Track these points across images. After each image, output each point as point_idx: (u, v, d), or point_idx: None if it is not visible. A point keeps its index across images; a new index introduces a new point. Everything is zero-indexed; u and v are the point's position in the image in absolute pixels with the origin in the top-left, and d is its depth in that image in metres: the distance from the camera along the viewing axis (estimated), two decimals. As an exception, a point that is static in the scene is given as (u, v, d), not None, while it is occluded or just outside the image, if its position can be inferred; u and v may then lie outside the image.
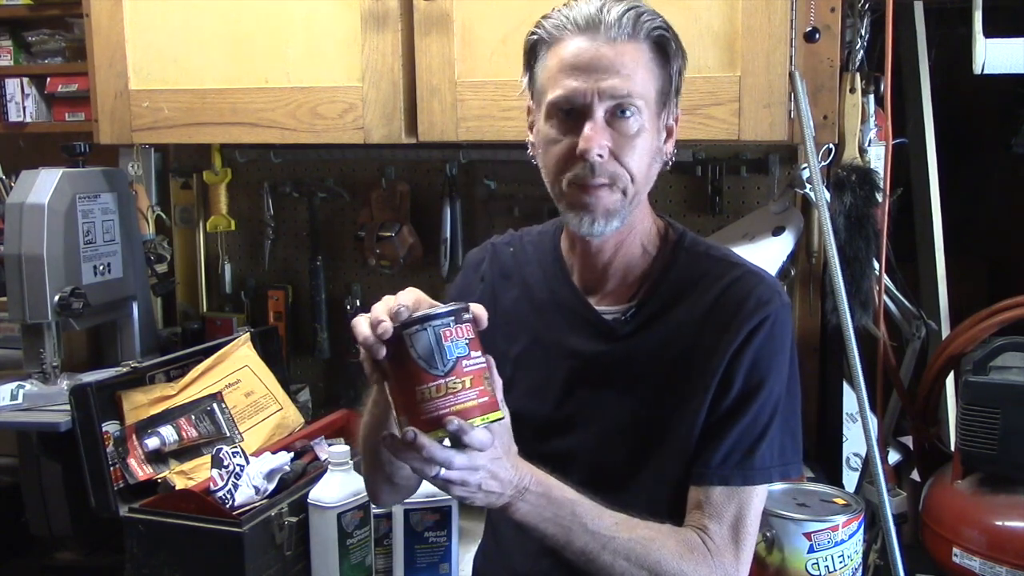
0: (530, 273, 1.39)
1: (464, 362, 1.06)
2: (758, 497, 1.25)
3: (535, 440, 1.28)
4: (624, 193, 1.22)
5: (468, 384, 1.05)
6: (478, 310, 1.11)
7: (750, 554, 1.26)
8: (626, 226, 1.27)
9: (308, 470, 1.83)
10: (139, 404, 1.85)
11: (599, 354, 1.30)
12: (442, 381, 1.05)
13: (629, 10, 1.20)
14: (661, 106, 1.24)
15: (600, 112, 1.19)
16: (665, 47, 1.23)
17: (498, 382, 1.12)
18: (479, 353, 1.08)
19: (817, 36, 1.61)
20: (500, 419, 1.08)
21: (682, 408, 1.26)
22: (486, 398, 1.07)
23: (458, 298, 1.43)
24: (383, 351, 1.07)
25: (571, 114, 1.21)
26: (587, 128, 1.18)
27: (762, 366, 1.24)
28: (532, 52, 1.26)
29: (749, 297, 1.25)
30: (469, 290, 1.43)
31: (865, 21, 1.86)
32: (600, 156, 1.18)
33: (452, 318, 1.06)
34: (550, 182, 1.25)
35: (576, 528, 1.18)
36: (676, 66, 1.25)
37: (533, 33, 1.25)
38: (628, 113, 1.19)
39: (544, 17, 1.24)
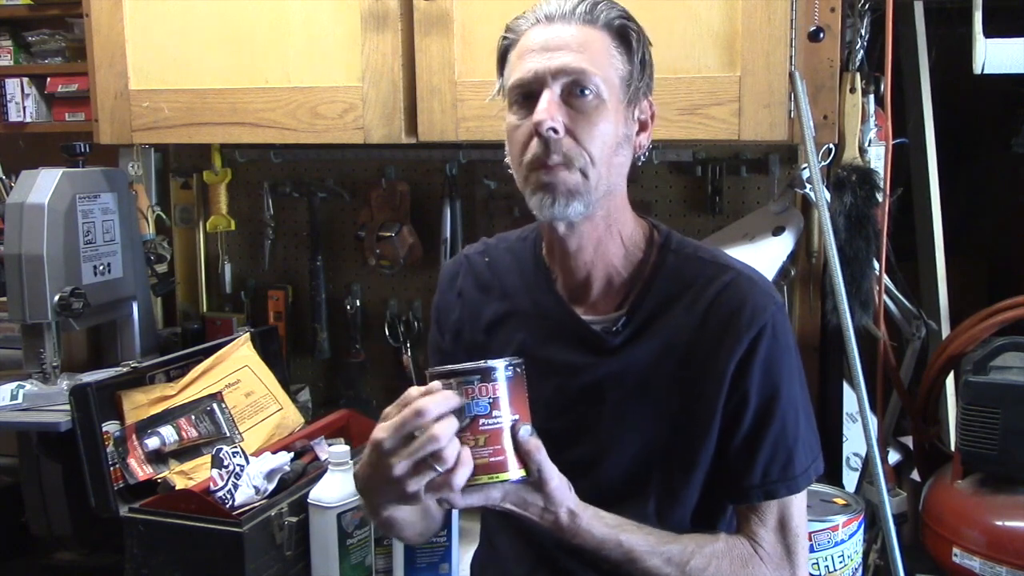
0: (510, 283, 1.35)
1: (482, 420, 1.09)
2: (799, 497, 1.26)
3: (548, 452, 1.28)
4: (584, 175, 1.18)
5: (482, 442, 1.09)
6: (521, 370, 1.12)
7: (805, 553, 1.27)
8: (602, 221, 1.25)
9: (308, 470, 1.83)
10: (139, 404, 1.85)
11: (589, 367, 1.27)
12: (459, 433, 1.08)
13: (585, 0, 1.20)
14: (627, 93, 1.22)
15: (556, 88, 1.18)
16: (627, 36, 1.22)
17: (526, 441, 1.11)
18: (501, 413, 1.10)
19: (822, 36, 1.61)
20: (508, 480, 1.10)
21: (685, 419, 1.24)
22: (500, 458, 1.10)
23: (439, 317, 1.43)
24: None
25: (529, 96, 1.19)
26: (541, 101, 1.17)
27: (774, 373, 1.23)
28: (503, 58, 1.26)
29: (745, 305, 1.23)
30: (449, 308, 1.40)
31: (865, 21, 1.86)
32: (554, 131, 1.16)
33: (478, 376, 1.10)
34: (515, 171, 1.23)
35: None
36: (640, 56, 1.23)
37: (503, 38, 1.25)
38: (585, 91, 1.17)
39: (512, 20, 1.25)
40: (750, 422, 1.23)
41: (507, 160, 1.26)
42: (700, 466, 1.25)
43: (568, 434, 1.27)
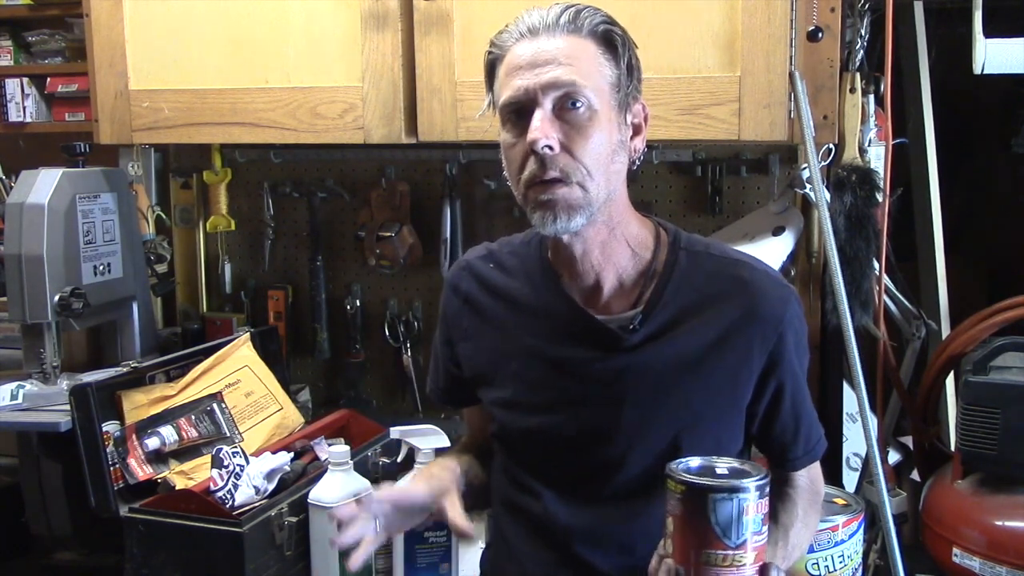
0: (516, 287, 1.35)
1: (755, 538, 1.05)
2: None
3: (568, 453, 1.29)
4: (583, 187, 1.19)
5: (752, 560, 1.05)
6: None
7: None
8: (604, 225, 1.25)
9: (308, 470, 1.83)
10: (139, 404, 1.85)
11: (607, 365, 1.27)
12: (731, 552, 1.04)
13: (568, 8, 1.20)
14: (617, 99, 1.21)
15: (547, 104, 1.17)
16: (612, 40, 1.21)
17: None
18: (767, 527, 1.07)
19: (820, 35, 1.61)
20: None
21: (716, 409, 1.27)
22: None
23: (450, 331, 1.41)
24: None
25: (521, 114, 1.19)
26: (534, 120, 1.17)
27: (800, 353, 1.30)
28: (491, 72, 1.25)
29: (768, 297, 1.27)
30: (458, 315, 1.40)
31: (865, 21, 1.86)
32: (549, 148, 1.16)
33: (758, 493, 1.05)
34: (514, 188, 1.24)
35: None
36: (627, 59, 1.23)
37: (489, 52, 1.25)
38: (577, 103, 1.17)
39: (496, 35, 1.24)
40: (789, 406, 1.30)
41: (505, 175, 1.26)
42: (729, 455, 1.28)
43: (592, 434, 1.28)
